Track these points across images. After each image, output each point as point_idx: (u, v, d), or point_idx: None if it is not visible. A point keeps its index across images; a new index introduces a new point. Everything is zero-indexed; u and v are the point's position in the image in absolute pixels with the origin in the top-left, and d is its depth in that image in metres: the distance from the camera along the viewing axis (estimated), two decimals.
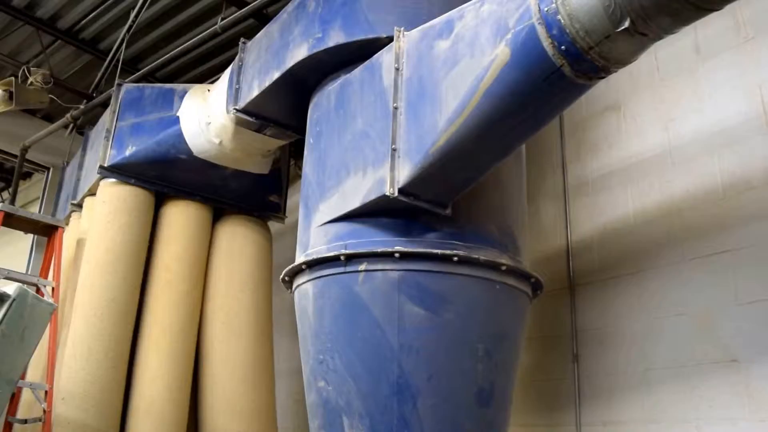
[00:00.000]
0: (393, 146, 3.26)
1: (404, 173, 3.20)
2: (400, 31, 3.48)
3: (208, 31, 5.92)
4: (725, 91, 3.96)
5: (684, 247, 4.04)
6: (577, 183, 4.80)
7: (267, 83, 4.35)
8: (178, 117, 5.33)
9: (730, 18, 3.98)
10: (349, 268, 3.44)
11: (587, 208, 4.69)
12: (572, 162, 4.86)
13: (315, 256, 3.57)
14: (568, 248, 4.73)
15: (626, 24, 2.42)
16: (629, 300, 4.27)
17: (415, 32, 3.41)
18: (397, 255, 3.32)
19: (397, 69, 3.40)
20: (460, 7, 3.15)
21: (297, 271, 3.76)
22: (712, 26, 4.04)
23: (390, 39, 3.53)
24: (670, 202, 4.15)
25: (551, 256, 4.84)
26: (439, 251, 3.33)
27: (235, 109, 4.70)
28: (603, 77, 2.72)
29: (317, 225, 3.70)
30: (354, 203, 3.47)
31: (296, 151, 6.00)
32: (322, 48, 3.89)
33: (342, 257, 3.43)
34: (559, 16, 2.55)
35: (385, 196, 3.24)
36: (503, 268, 3.44)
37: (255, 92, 4.51)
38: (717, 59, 4.04)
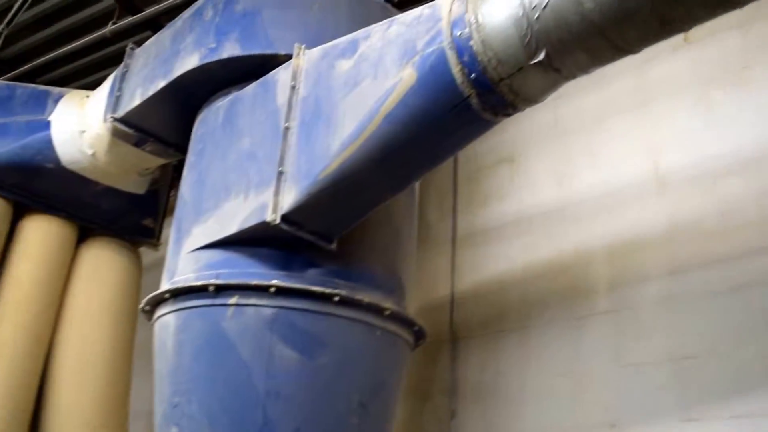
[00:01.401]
0: (280, 168, 2.93)
1: (289, 199, 2.86)
2: (300, 49, 3.20)
3: (96, 35, 5.41)
4: (621, 152, 3.92)
5: (570, 305, 3.90)
6: (466, 233, 4.62)
7: (151, 92, 3.92)
8: (49, 121, 4.75)
9: (633, 79, 3.97)
10: (218, 301, 3.04)
11: (475, 259, 4.50)
12: (463, 211, 4.69)
13: (181, 285, 3.15)
14: (452, 298, 4.51)
15: (541, 56, 2.22)
16: (511, 357, 4.07)
17: (316, 50, 3.13)
18: (273, 290, 2.95)
19: (293, 87, 3.10)
20: (367, 28, 2.91)
21: (159, 300, 3.31)
22: (615, 86, 4.02)
23: (289, 57, 3.24)
24: (559, 259, 4.03)
25: (434, 305, 4.61)
26: (319, 289, 2.99)
27: (112, 117, 4.20)
28: (509, 114, 2.51)
29: (188, 250, 3.29)
30: (231, 228, 3.09)
31: (179, 175, 5.53)
32: (214, 59, 3.53)
33: (211, 288, 3.03)
34: (472, 42, 2.33)
35: (265, 223, 2.88)
36: (387, 312, 3.15)
37: (137, 101, 4.05)
38: (616, 118, 4.01)
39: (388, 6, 3.67)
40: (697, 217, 3.57)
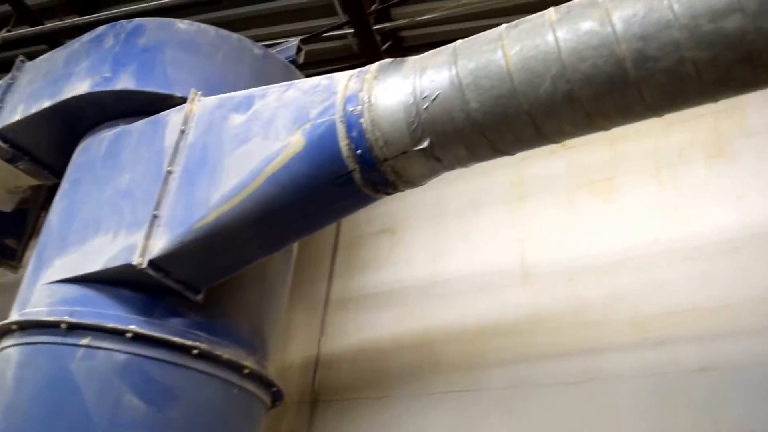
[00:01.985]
0: (155, 212, 2.82)
1: (160, 244, 2.75)
2: (196, 94, 3.14)
3: None
4: (493, 240, 4.08)
5: (429, 380, 3.94)
6: (340, 298, 4.61)
7: (33, 110, 3.70)
8: None
9: (512, 173, 4.16)
10: (68, 340, 2.83)
11: (345, 325, 4.49)
12: (340, 276, 4.69)
13: (31, 318, 2.93)
14: (317, 361, 4.45)
15: (425, 144, 2.30)
16: (370, 425, 4.03)
17: (212, 99, 3.08)
18: (129, 335, 2.79)
19: (182, 131, 3.02)
20: (265, 87, 2.90)
21: (5, 331, 3.05)
22: (495, 177, 4.20)
23: (184, 100, 3.17)
24: (425, 333, 4.09)
25: (299, 365, 4.53)
26: (179, 340, 2.85)
27: None
28: (390, 193, 2.56)
29: (46, 282, 3.08)
30: (95, 266, 2.92)
31: (51, 199, 5.22)
32: (107, 88, 3.38)
33: (63, 325, 2.83)
34: (362, 120, 2.38)
35: (131, 266, 2.75)
36: (246, 371, 3.04)
37: (17, 117, 3.81)
38: (492, 208, 4.18)
39: (293, 67, 3.69)
40: (554, 310, 3.75)
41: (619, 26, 2.05)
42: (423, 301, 4.20)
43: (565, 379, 3.54)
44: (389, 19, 4.70)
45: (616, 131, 2.57)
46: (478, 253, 4.09)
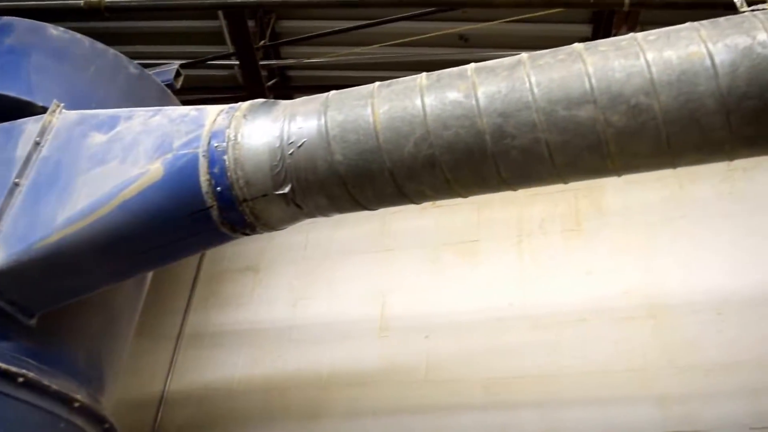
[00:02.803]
0: None
1: None
2: (59, 106, 2.99)
3: None
4: (355, 290, 4.13)
5: (278, 425, 3.91)
6: (194, 332, 4.50)
7: None
8: None
9: (380, 225, 4.24)
10: None
11: (196, 361, 4.36)
12: (197, 310, 4.58)
13: None
14: (162, 397, 4.28)
15: (286, 189, 2.31)
16: None
17: (74, 114, 2.95)
18: None
19: (37, 143, 2.86)
20: (133, 109, 2.82)
21: None
22: (364, 227, 4.28)
23: (45, 110, 3.01)
24: (278, 378, 4.05)
25: (144, 401, 4.34)
26: (2, 365, 2.62)
27: None
28: (248, 234, 2.54)
29: None
30: None
31: None
32: None
33: None
34: (226, 157, 2.36)
35: None
36: (76, 404, 2.84)
37: None
38: (355, 257, 4.24)
39: (169, 92, 3.61)
40: (409, 365, 3.82)
41: (482, 100, 2.17)
42: (279, 344, 4.17)
43: None
44: (278, 57, 4.73)
45: (485, 196, 2.71)
46: (340, 301, 4.13)
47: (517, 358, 3.68)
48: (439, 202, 4.10)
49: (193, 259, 4.65)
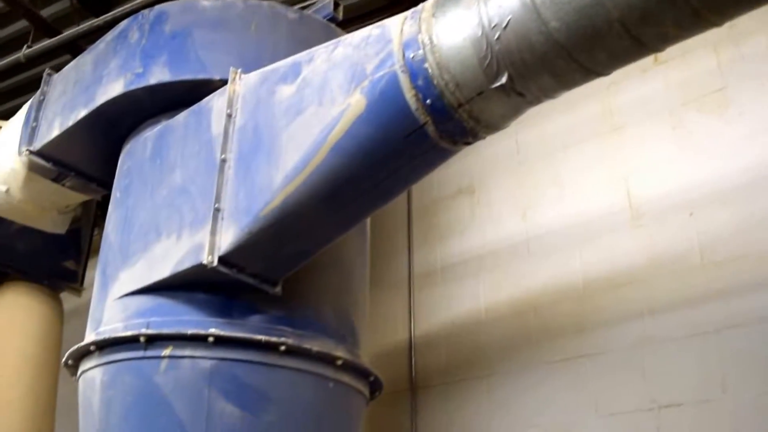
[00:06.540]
0: (216, 205, 2.82)
1: (228, 239, 2.75)
2: (236, 73, 3.11)
3: (9, 59, 5.24)
4: (589, 181, 3.93)
5: (540, 349, 3.87)
6: (424, 271, 4.57)
7: (71, 122, 3.78)
8: None
9: (598, 104, 4.00)
10: (149, 353, 2.91)
11: (434, 300, 4.45)
12: (419, 248, 4.64)
13: (108, 336, 3.01)
14: (410, 344, 4.44)
15: (503, 80, 2.19)
16: (478, 407, 4.00)
17: (254, 75, 3.05)
18: (211, 339, 2.83)
19: (229, 115, 3.01)
20: (310, 50, 2.85)
21: (84, 354, 3.16)
22: (579, 111, 4.05)
23: (225, 82, 3.15)
24: (526, 298, 4.00)
25: (391, 352, 4.53)
26: (263, 338, 2.88)
27: (28, 150, 4.04)
28: (470, 143, 2.47)
29: (115, 297, 3.15)
30: (163, 272, 2.97)
31: (104, 212, 5.39)
32: (141, 85, 3.42)
33: (142, 338, 2.90)
34: (426, 65, 2.29)
35: (201, 266, 2.76)
36: (339, 362, 3.05)
37: (55, 132, 3.91)
38: (582, 146, 4.04)
39: (332, 26, 3.63)
40: (675, 252, 3.57)
41: None
42: (519, 262, 4.11)
43: (702, 329, 3.37)
44: None
45: (721, 32, 2.41)
46: (574, 199, 3.95)
47: None
48: (661, 57, 3.74)
49: (401, 199, 4.71)
